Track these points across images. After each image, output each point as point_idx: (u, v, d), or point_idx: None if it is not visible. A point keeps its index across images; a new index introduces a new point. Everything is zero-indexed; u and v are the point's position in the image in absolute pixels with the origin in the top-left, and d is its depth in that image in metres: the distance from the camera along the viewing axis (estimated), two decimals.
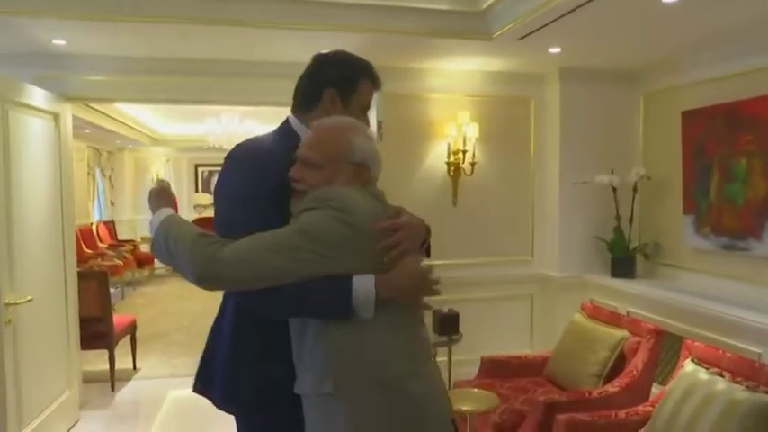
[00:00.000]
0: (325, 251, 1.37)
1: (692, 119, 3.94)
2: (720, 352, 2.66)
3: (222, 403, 1.65)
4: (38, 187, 3.54)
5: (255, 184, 1.51)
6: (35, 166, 3.52)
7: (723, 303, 3.46)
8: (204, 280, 1.35)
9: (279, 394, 1.53)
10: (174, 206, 1.58)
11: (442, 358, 3.90)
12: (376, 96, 3.69)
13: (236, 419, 1.68)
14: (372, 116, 3.42)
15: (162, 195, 1.56)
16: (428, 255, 1.70)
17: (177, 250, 1.38)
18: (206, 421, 3.98)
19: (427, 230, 1.60)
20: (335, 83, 1.62)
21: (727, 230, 3.68)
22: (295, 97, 1.68)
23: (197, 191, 11.82)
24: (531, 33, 3.47)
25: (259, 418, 1.61)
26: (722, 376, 2.49)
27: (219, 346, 1.65)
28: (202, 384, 1.71)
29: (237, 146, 1.63)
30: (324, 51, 1.70)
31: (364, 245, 1.41)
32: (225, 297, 1.67)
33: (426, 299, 1.56)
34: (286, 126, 1.68)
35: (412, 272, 1.45)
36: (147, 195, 1.59)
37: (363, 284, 1.40)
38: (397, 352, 1.45)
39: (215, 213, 1.61)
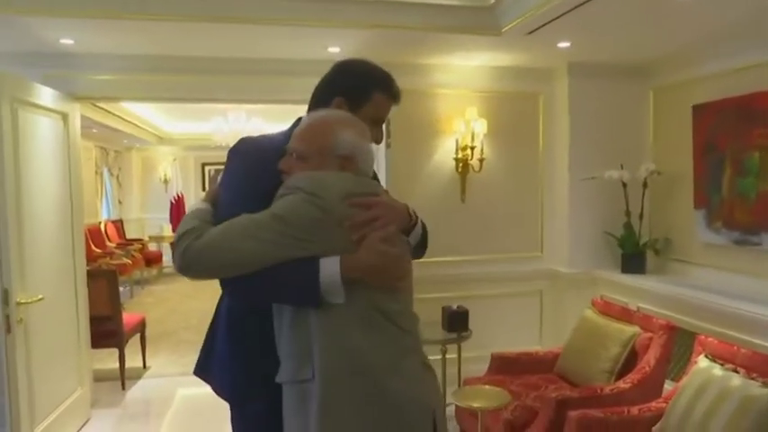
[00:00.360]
0: (297, 234, 1.38)
1: (703, 113, 3.90)
2: (735, 348, 2.63)
3: (217, 390, 1.69)
4: (47, 186, 3.55)
5: (254, 182, 1.53)
6: (44, 165, 3.52)
7: (736, 299, 3.42)
8: (183, 269, 1.40)
9: (269, 385, 1.52)
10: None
11: (451, 355, 3.90)
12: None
13: (230, 407, 1.69)
14: None
15: (210, 193, 1.61)
16: (423, 248, 1.69)
17: (174, 241, 1.45)
18: (216, 419, 3.98)
19: (410, 217, 1.59)
20: (345, 91, 1.64)
21: (740, 225, 3.64)
22: (310, 100, 1.71)
23: (204, 189, 11.84)
24: (540, 27, 3.44)
25: (250, 407, 1.62)
26: (737, 372, 2.47)
27: (218, 333, 1.70)
28: (201, 369, 1.76)
29: (242, 140, 1.65)
30: (346, 59, 1.72)
31: (336, 227, 1.41)
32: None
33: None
34: (296, 125, 1.68)
35: (378, 251, 1.42)
36: None
37: (328, 266, 1.38)
38: (378, 344, 1.42)
39: (218, 203, 1.62)
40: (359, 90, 1.64)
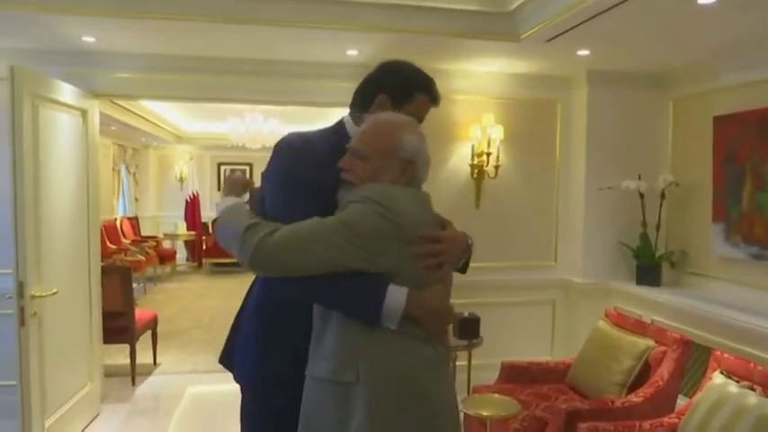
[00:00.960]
0: (365, 245, 1.40)
1: (724, 124, 3.85)
2: (752, 365, 2.58)
3: (237, 378, 1.73)
4: (65, 182, 3.59)
5: (296, 175, 1.58)
6: (63, 160, 3.57)
7: (753, 314, 3.36)
8: (253, 266, 1.42)
9: (291, 379, 1.56)
10: (249, 191, 1.66)
11: (461, 362, 3.87)
12: None
13: (245, 398, 1.73)
14: None
15: (235, 184, 1.62)
16: (464, 271, 1.74)
17: (232, 237, 1.44)
18: (225, 417, 4.00)
19: (468, 247, 1.67)
20: (389, 89, 1.68)
21: (759, 240, 3.58)
22: (353, 98, 1.75)
23: (219, 189, 11.92)
24: (559, 35, 3.41)
25: (270, 399, 1.64)
26: (753, 390, 2.42)
27: (244, 324, 1.73)
28: (225, 356, 1.81)
29: (285, 136, 1.70)
30: (392, 59, 1.77)
31: (405, 246, 1.43)
32: (256, 277, 1.72)
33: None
34: (339, 124, 1.75)
35: (443, 299, 1.50)
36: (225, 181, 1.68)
37: (395, 295, 1.43)
38: (423, 354, 1.48)
39: (265, 199, 1.67)
40: (403, 89, 1.68)
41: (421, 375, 1.45)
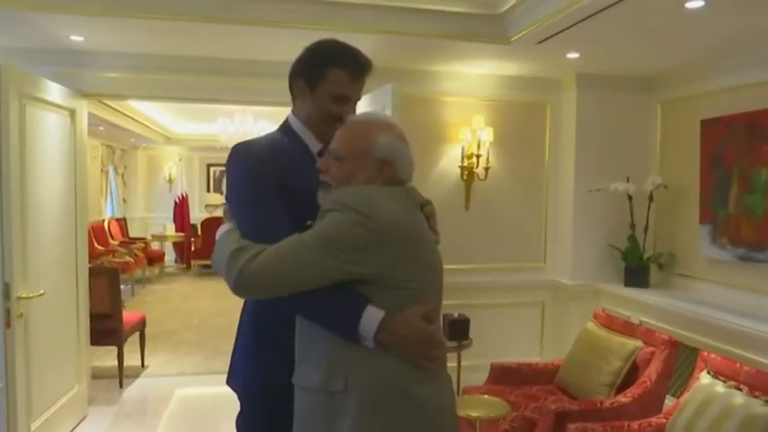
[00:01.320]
0: (347, 258, 1.37)
1: (711, 127, 3.89)
2: (738, 365, 2.61)
3: (232, 385, 1.71)
4: (52, 182, 3.55)
5: (259, 184, 1.53)
6: (50, 160, 3.53)
7: (739, 315, 3.40)
8: (238, 292, 1.42)
9: (284, 388, 1.53)
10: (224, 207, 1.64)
11: (451, 363, 3.86)
12: (390, 97, 3.66)
13: (242, 406, 1.70)
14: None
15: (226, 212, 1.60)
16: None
17: (221, 264, 1.44)
18: (213, 420, 3.98)
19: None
20: (303, 72, 1.62)
21: (745, 242, 3.62)
22: None
23: (209, 191, 11.87)
24: (549, 38, 3.44)
25: (255, 404, 1.64)
26: (740, 390, 2.44)
27: (243, 328, 1.70)
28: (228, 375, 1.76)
29: (234, 149, 1.62)
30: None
31: (387, 251, 1.39)
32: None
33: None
34: (285, 122, 1.71)
35: (417, 327, 1.41)
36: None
37: (369, 319, 1.37)
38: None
39: (234, 218, 1.61)
40: (314, 69, 1.60)
41: (413, 382, 1.41)
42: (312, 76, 1.60)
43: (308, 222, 1.48)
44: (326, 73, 1.59)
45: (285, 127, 1.69)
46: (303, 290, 1.39)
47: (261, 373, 1.62)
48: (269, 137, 1.68)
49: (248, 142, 1.65)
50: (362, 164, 1.48)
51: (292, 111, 1.70)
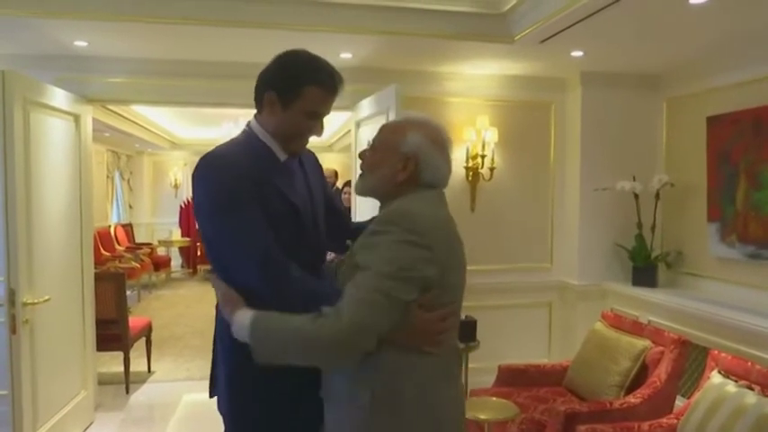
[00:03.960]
0: (414, 281, 1.39)
1: (717, 124, 3.85)
2: (749, 364, 2.57)
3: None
4: (57, 188, 3.56)
5: (233, 194, 1.50)
6: (55, 166, 3.53)
7: (749, 314, 3.35)
8: (341, 352, 1.35)
9: (265, 398, 1.56)
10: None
11: None
12: (394, 98, 3.65)
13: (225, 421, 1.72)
14: (391, 119, 3.40)
15: (229, 299, 1.48)
16: None
17: (294, 345, 1.37)
18: (221, 426, 3.96)
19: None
20: (275, 86, 1.59)
21: (754, 239, 3.58)
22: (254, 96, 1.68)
23: None
24: (553, 36, 3.42)
25: (239, 421, 1.66)
26: (752, 389, 2.41)
27: (217, 343, 1.73)
28: (211, 387, 1.81)
29: (206, 158, 1.59)
30: (287, 50, 1.65)
31: (440, 256, 1.44)
32: (217, 308, 1.65)
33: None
34: (247, 128, 1.68)
35: (414, 319, 1.43)
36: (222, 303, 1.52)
37: None
38: (434, 366, 1.47)
39: (201, 234, 1.60)
40: (289, 85, 1.57)
41: (435, 386, 1.46)
42: (286, 92, 1.58)
43: (347, 242, 1.59)
44: (302, 91, 1.57)
45: (250, 134, 1.65)
46: (395, 321, 1.37)
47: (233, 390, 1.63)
48: (237, 146, 1.64)
49: (219, 153, 1.60)
50: (390, 156, 1.53)
51: (257, 118, 1.66)
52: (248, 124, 1.67)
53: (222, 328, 1.60)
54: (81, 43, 3.70)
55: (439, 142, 1.56)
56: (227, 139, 1.71)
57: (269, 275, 1.49)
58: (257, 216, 1.50)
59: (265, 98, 1.60)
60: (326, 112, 1.64)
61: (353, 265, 1.43)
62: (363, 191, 1.61)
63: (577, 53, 3.85)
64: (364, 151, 1.60)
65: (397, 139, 1.53)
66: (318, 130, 1.64)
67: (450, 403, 1.52)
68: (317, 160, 1.87)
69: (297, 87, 1.57)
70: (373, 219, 1.57)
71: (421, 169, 1.52)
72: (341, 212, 1.98)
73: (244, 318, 1.40)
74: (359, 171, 1.62)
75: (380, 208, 1.58)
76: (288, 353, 1.37)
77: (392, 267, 1.37)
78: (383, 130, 1.60)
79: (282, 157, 1.64)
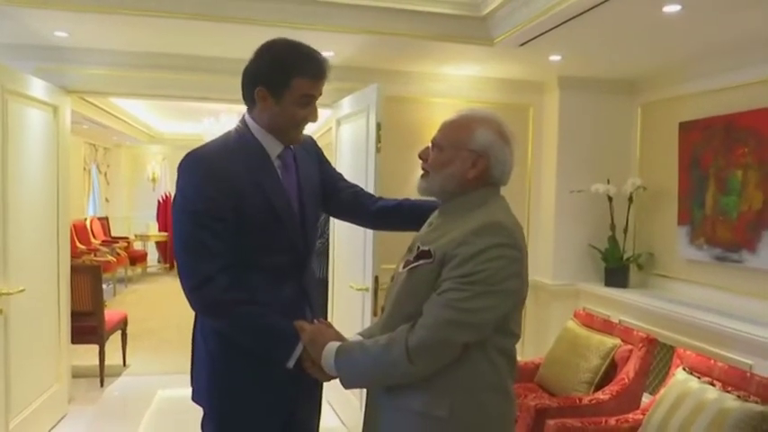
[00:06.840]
0: (511, 295, 1.43)
1: (689, 130, 3.97)
2: (712, 362, 2.67)
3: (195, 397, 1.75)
4: (34, 178, 3.53)
5: (207, 198, 1.52)
6: (32, 157, 3.50)
7: (715, 314, 3.47)
8: (416, 369, 1.37)
9: (245, 396, 1.60)
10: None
11: None
12: (375, 97, 3.67)
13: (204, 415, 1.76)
14: (371, 118, 3.44)
15: (315, 343, 1.51)
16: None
17: (379, 370, 1.42)
18: (196, 421, 3.95)
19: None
20: (264, 81, 1.59)
21: (721, 242, 3.69)
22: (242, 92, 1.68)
23: None
24: (532, 40, 3.49)
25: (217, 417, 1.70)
26: (713, 386, 2.50)
27: (197, 340, 1.76)
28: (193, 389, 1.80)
29: (190, 155, 1.60)
30: (268, 41, 1.64)
31: (525, 262, 1.48)
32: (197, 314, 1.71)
33: None
34: (242, 125, 1.67)
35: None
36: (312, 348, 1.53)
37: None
38: (509, 375, 1.49)
39: (173, 226, 1.61)
40: (278, 78, 1.58)
41: (510, 408, 1.49)
42: (275, 86, 1.58)
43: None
44: (290, 82, 1.57)
45: (242, 129, 1.66)
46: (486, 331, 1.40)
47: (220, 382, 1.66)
48: (224, 143, 1.65)
49: (203, 151, 1.62)
50: (458, 154, 1.49)
51: (249, 114, 1.67)
52: (242, 120, 1.67)
53: (204, 329, 1.67)
54: (61, 34, 3.67)
55: (505, 137, 1.52)
56: (208, 134, 1.73)
57: (202, 301, 1.56)
58: (217, 236, 1.51)
59: (256, 94, 1.60)
60: (319, 94, 1.65)
61: (437, 262, 1.41)
62: (430, 191, 1.56)
63: (555, 57, 3.93)
64: (425, 151, 1.55)
65: (465, 137, 1.49)
66: (314, 115, 1.65)
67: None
68: (313, 145, 1.87)
69: (286, 80, 1.57)
70: (425, 205, 1.69)
71: (491, 165, 1.50)
72: (351, 191, 1.94)
73: (329, 356, 1.47)
74: (420, 171, 1.57)
75: (440, 206, 1.58)
76: (375, 378, 1.46)
77: (481, 291, 1.36)
78: (448, 127, 1.53)
79: (277, 150, 1.66)
